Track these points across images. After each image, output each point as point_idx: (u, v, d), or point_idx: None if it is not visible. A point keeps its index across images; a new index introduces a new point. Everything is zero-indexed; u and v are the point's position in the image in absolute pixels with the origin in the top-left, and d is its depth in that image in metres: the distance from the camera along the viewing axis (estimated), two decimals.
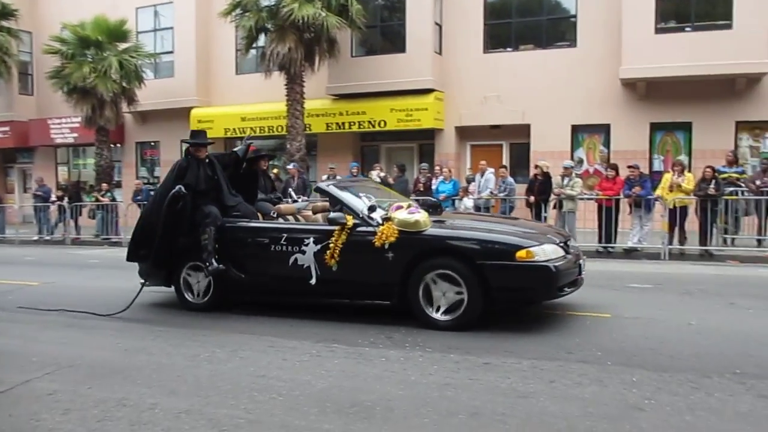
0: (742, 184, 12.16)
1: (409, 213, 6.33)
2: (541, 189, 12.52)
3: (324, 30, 15.72)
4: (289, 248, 6.71)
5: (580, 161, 16.25)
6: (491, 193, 13.20)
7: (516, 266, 5.89)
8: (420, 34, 16.84)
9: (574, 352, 5.22)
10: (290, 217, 7.85)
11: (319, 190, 7.30)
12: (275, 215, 7.67)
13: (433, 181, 14.20)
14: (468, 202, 13.20)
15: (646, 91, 15.48)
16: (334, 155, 17.72)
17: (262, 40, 17.06)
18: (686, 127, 15.49)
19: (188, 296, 7.35)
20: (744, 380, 4.48)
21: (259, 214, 7.55)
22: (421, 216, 6.29)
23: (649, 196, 11.96)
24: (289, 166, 15.39)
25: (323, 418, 3.95)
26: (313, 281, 6.58)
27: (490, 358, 5.11)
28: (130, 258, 7.60)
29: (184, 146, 15.50)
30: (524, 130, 16.72)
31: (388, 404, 4.13)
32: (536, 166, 13.22)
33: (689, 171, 12.87)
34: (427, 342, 5.62)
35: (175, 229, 7.10)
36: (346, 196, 6.84)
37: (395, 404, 4.13)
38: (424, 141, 18.02)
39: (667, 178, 12.00)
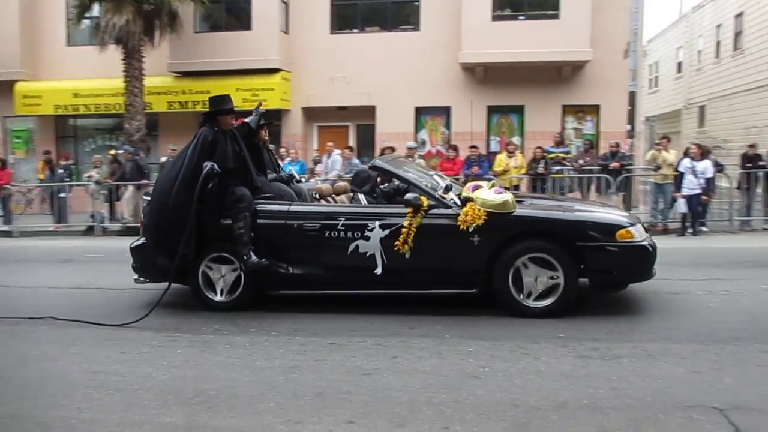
0: (568, 163, 13.23)
1: (496, 193, 5.88)
2: None
3: (165, 2, 14.94)
4: (349, 234, 5.88)
5: (423, 142, 16.81)
6: (338, 174, 13.31)
7: (617, 247, 5.63)
8: (266, 12, 16.49)
9: (416, 328, 5.45)
10: (330, 199, 7.00)
11: (375, 167, 6.46)
12: (317, 196, 6.82)
13: (280, 162, 14.05)
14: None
15: (483, 75, 16.26)
16: (177, 136, 16.84)
17: (96, 9, 15.88)
18: (519, 110, 16.50)
19: (210, 294, 6.24)
20: (566, 343, 4.92)
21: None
22: (510, 196, 5.85)
23: (486, 175, 12.66)
24: (120, 150, 14.51)
25: (165, 410, 3.83)
26: (378, 271, 5.84)
27: (335, 338, 5.20)
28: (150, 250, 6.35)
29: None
30: (370, 111, 16.99)
31: (233, 391, 4.09)
32: (387, 148, 13.49)
33: (521, 152, 13.78)
34: (273, 326, 5.61)
35: (199, 215, 6.04)
36: (414, 176, 6.28)
37: (240, 391, 4.10)
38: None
39: (501, 158, 12.79)
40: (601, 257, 5.65)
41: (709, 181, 11.64)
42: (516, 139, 15.85)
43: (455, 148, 13.32)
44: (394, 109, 16.67)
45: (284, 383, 4.22)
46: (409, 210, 5.79)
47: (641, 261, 5.76)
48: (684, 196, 11.42)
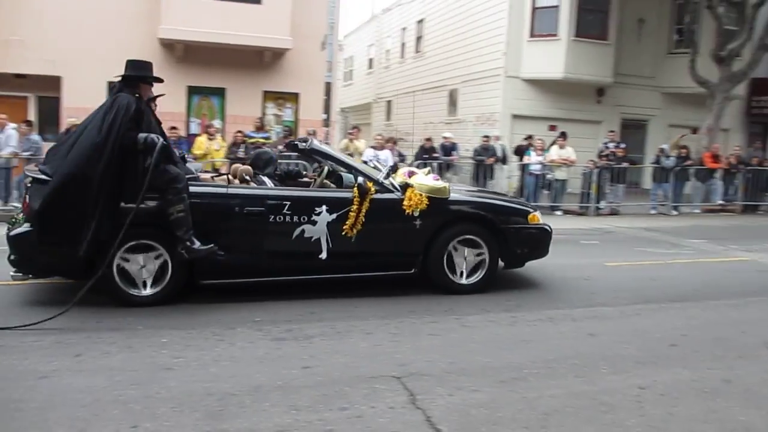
0: (268, 149, 13.46)
1: (435, 179, 6.30)
2: None
3: None
4: (295, 219, 5.74)
5: None
6: (14, 152, 11.73)
7: (529, 228, 6.48)
8: None
9: (105, 321, 5.07)
10: (254, 182, 6.35)
11: (314, 151, 6.35)
12: (248, 178, 6.23)
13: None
14: None
15: (184, 53, 15.71)
16: None
17: None
18: (221, 93, 16.34)
19: (132, 290, 5.44)
20: (262, 327, 5.03)
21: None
22: (446, 183, 6.32)
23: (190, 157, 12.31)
24: None
25: None
26: (323, 255, 5.83)
27: (2, 339, 4.57)
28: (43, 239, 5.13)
29: None
30: (55, 82, 15.25)
31: None
32: (74, 126, 12.26)
33: (222, 135, 13.68)
34: None
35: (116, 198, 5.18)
36: (355, 162, 6.42)
37: None
38: None
39: (201, 141, 12.57)
40: (517, 238, 6.45)
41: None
42: (217, 122, 15.66)
43: None
44: (83, 82, 15.14)
45: None
46: (356, 194, 5.89)
47: (545, 241, 6.67)
48: None
